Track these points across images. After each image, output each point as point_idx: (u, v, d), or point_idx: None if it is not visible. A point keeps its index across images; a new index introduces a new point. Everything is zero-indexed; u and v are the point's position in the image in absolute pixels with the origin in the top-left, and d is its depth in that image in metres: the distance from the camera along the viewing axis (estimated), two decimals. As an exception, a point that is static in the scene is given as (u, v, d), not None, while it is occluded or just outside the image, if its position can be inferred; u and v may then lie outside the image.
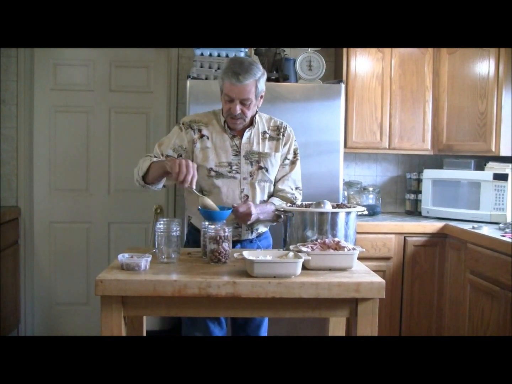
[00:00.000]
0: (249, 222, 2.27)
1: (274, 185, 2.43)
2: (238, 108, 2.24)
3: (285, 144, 2.42)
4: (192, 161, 2.32)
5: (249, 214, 2.22)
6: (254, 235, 2.41)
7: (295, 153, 2.45)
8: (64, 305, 3.82)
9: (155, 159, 2.32)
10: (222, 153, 2.34)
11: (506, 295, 2.61)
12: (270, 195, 2.41)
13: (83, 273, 3.81)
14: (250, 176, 2.35)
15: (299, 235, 2.12)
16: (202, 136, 2.35)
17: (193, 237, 2.40)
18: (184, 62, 3.72)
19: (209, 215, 2.12)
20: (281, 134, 2.41)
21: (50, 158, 3.76)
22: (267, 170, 2.37)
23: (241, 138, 2.36)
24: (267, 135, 2.40)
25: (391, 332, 3.32)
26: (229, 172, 2.33)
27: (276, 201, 2.37)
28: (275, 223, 2.47)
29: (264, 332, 2.45)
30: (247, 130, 2.36)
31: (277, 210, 2.26)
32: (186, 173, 2.08)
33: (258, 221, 2.36)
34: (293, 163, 2.44)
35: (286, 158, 2.42)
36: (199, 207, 2.17)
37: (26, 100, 3.66)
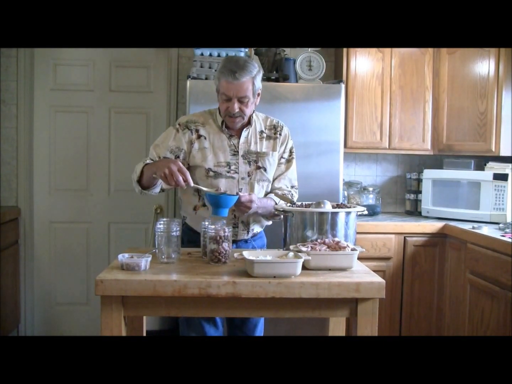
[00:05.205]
0: (247, 214, 2.27)
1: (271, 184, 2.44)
2: (236, 107, 2.23)
3: (281, 144, 2.43)
4: (189, 162, 2.33)
5: (249, 206, 2.22)
6: (250, 235, 2.41)
7: (290, 152, 2.46)
8: (64, 305, 3.82)
9: (149, 161, 2.31)
10: (220, 153, 2.33)
11: (506, 295, 2.61)
12: (267, 194, 2.42)
13: (83, 273, 3.81)
14: (248, 176, 2.35)
15: (299, 235, 2.12)
16: (199, 136, 2.33)
17: (188, 237, 2.39)
18: (184, 62, 3.72)
19: (216, 201, 2.12)
20: (278, 133, 2.42)
21: (50, 158, 3.76)
22: (265, 170, 2.37)
23: (239, 137, 2.35)
24: (264, 135, 2.40)
25: (391, 332, 3.32)
26: (228, 172, 2.32)
27: (275, 198, 2.37)
28: (270, 223, 2.48)
29: (260, 331, 2.45)
30: (244, 129, 2.35)
31: (276, 210, 2.26)
32: (175, 176, 2.08)
33: (254, 220, 2.38)
34: (288, 161, 2.46)
35: (282, 157, 2.44)
36: (206, 193, 2.18)
37: (26, 100, 3.66)
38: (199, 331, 2.31)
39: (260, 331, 2.45)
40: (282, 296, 1.80)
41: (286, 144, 2.44)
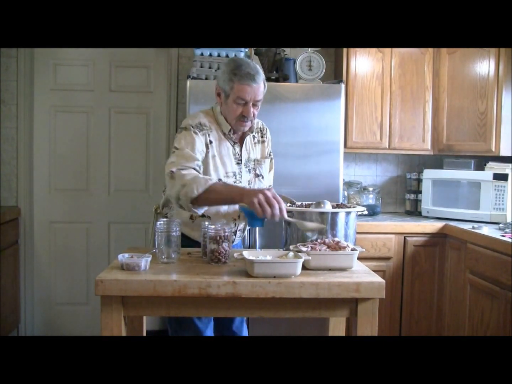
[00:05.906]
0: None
1: None
2: (251, 110, 2.16)
3: (267, 146, 2.41)
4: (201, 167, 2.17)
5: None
6: (240, 238, 2.41)
7: (270, 153, 2.44)
8: (64, 305, 3.82)
9: (197, 172, 2.09)
10: (227, 162, 2.23)
11: (506, 295, 2.61)
12: None
13: (83, 273, 3.81)
14: (249, 184, 2.29)
15: (299, 235, 2.12)
16: (210, 142, 2.20)
17: (183, 243, 2.18)
18: (184, 62, 3.72)
19: (252, 212, 2.01)
20: (265, 136, 2.40)
21: (50, 158, 3.76)
22: (262, 177, 2.35)
23: (241, 145, 2.29)
24: (256, 139, 2.37)
25: (391, 332, 3.32)
26: (234, 182, 2.23)
27: None
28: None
29: (245, 329, 2.44)
30: (246, 136, 2.30)
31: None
32: (271, 203, 1.92)
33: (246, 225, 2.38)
34: (270, 162, 2.44)
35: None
36: (240, 207, 2.07)
37: (26, 100, 3.66)
38: (194, 329, 2.21)
39: (245, 329, 2.44)
40: (282, 296, 1.80)
41: (270, 146, 2.43)
